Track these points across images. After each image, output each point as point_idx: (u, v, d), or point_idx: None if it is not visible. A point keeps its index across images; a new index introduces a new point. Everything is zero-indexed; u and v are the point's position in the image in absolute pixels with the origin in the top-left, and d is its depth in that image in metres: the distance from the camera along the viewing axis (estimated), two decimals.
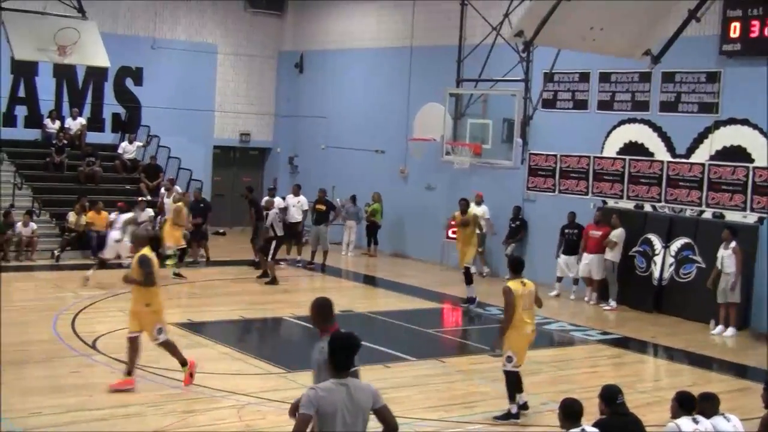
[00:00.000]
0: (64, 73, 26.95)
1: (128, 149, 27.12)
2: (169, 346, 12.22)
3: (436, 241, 24.20)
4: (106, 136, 27.96)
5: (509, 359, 11.49)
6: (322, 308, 7.86)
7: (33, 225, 22.24)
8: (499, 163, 20.62)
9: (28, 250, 22.03)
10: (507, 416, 11.41)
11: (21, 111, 26.83)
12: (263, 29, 30.39)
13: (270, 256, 20.88)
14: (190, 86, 28.84)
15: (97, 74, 27.27)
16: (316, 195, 24.01)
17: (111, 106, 28.15)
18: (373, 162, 26.60)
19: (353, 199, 26.01)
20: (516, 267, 11.92)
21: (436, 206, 24.46)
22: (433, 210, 24.55)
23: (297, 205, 23.88)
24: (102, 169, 26.03)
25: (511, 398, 11.46)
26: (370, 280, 22.74)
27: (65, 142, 26.04)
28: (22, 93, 26.75)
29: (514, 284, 11.49)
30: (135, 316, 12.01)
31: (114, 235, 20.23)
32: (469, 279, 19.11)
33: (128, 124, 28.17)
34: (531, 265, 22.29)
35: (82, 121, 27.06)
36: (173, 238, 20.93)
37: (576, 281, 20.64)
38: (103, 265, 19.73)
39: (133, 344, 11.96)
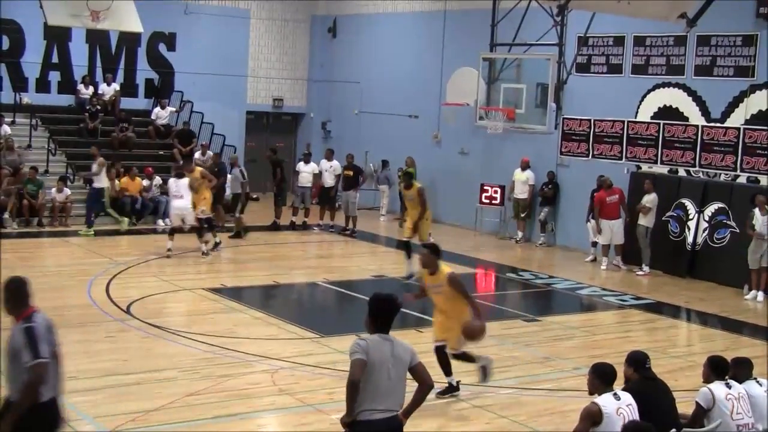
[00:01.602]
0: (97, 38, 27.04)
1: (161, 115, 27.21)
2: None
3: (470, 206, 24.14)
4: (140, 102, 28.06)
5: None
6: (17, 290, 6.76)
7: (67, 191, 22.41)
8: (532, 128, 20.48)
9: (62, 215, 22.21)
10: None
11: (54, 77, 26.97)
12: None
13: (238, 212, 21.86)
14: (223, 51, 28.84)
15: (130, 40, 27.34)
16: (346, 160, 24.03)
17: (144, 72, 28.22)
18: (407, 127, 26.50)
19: (385, 163, 25.98)
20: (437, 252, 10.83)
21: (469, 171, 24.41)
22: (466, 175, 24.48)
23: (330, 170, 23.92)
24: (135, 135, 26.15)
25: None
26: (402, 246, 22.73)
27: (99, 107, 26.13)
28: (55, 59, 26.87)
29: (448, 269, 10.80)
30: None
31: (179, 203, 19.39)
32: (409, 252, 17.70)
33: (161, 90, 28.26)
34: (564, 230, 22.56)
35: (115, 86, 27.15)
36: (205, 202, 20.47)
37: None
38: (174, 232, 19.46)
39: None
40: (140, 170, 23.67)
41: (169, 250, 19.01)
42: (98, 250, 19.57)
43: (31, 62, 26.49)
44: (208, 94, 28.06)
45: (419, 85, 26.22)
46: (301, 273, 18.57)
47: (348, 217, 23.42)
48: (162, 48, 28.37)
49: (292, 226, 23.44)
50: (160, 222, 22.76)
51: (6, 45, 26.13)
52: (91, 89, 26.69)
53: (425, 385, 6.77)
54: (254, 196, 27.55)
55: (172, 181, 19.77)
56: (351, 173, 23.78)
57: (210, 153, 24.74)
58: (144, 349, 12.51)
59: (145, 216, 23.13)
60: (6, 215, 21.38)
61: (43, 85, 26.73)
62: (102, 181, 21.96)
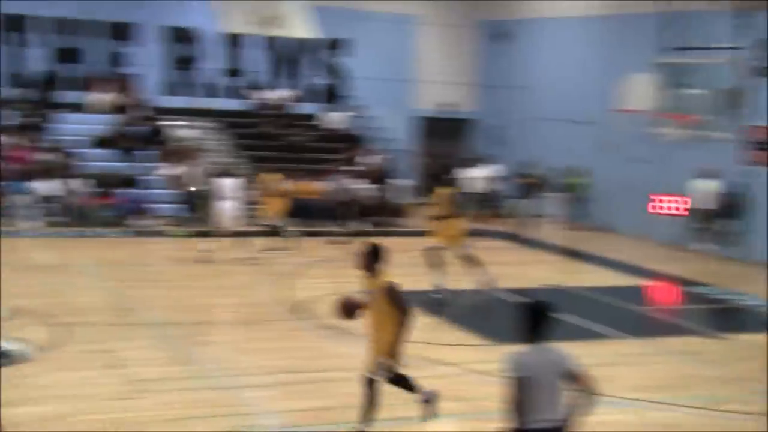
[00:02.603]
0: (272, 44, 27.73)
1: (333, 119, 27.63)
2: None
3: (643, 215, 23.47)
4: (312, 107, 28.58)
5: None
6: None
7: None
8: (712, 135, 19.77)
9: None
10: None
11: (233, 82, 27.81)
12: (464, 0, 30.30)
13: None
14: (394, 56, 29.08)
15: (303, 45, 27.94)
16: (517, 166, 23.80)
17: (317, 77, 28.74)
18: (578, 133, 26.05)
19: (555, 171, 25.65)
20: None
21: (644, 179, 23.73)
22: (640, 183, 23.81)
23: (488, 175, 23.72)
24: (307, 139, 26.62)
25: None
26: (572, 254, 22.35)
27: (273, 112, 26.77)
28: (234, 65, 27.70)
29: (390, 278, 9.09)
30: None
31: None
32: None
33: (333, 95, 28.72)
34: (749, 242, 21.51)
35: (289, 91, 27.76)
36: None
37: None
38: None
39: None
40: (312, 174, 24.02)
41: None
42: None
43: (209, 68, 27.38)
44: (378, 99, 28.33)
45: (592, 90, 25.68)
46: (471, 279, 18.44)
47: (518, 224, 23.19)
48: (334, 54, 28.81)
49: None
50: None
51: (185, 52, 27.11)
52: (265, 94, 27.36)
53: (587, 392, 6.46)
54: (425, 202, 27.62)
55: (224, 181, 19.17)
56: (524, 180, 23.53)
57: (377, 158, 24.94)
58: (318, 348, 12.66)
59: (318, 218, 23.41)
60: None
61: (220, 90, 27.59)
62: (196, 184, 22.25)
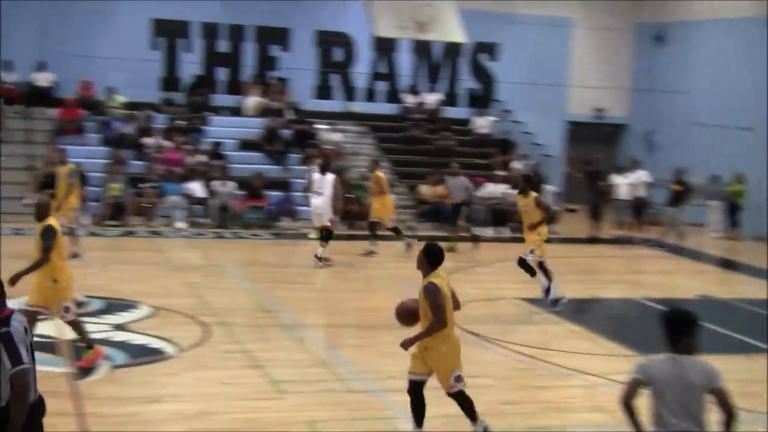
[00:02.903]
0: (422, 48, 27.73)
1: (482, 124, 27.38)
2: (76, 326, 10.94)
3: None
4: (461, 111, 28.34)
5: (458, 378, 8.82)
6: None
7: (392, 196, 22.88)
8: None
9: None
10: None
11: (381, 86, 27.92)
12: (620, 1, 29.52)
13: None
14: (544, 61, 28.59)
15: (453, 50, 27.83)
16: (670, 173, 23.02)
17: (466, 81, 28.56)
18: (738, 140, 24.95)
19: (715, 178, 24.67)
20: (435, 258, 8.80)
21: None
22: None
23: (636, 182, 23.04)
24: (455, 143, 26.45)
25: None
26: (729, 265, 21.46)
27: (422, 116, 26.74)
28: (383, 69, 27.83)
29: (438, 279, 8.68)
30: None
31: (318, 201, 17.89)
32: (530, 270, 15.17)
33: (482, 99, 28.47)
34: None
35: (438, 95, 27.68)
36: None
37: None
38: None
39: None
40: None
41: (317, 257, 17.69)
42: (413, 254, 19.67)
43: (360, 72, 27.56)
44: (527, 104, 27.89)
45: (755, 95, 24.61)
46: (618, 288, 17.93)
47: (670, 232, 22.43)
48: (484, 58, 28.58)
49: (612, 240, 22.73)
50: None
51: (338, 56, 27.39)
52: (415, 98, 27.35)
53: (725, 410, 6.12)
54: (572, 208, 27.08)
55: (316, 176, 18.16)
56: (679, 187, 22.74)
57: (526, 163, 24.54)
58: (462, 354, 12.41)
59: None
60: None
61: (370, 94, 27.76)
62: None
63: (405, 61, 27.96)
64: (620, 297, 17.25)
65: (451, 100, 28.23)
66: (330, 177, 17.86)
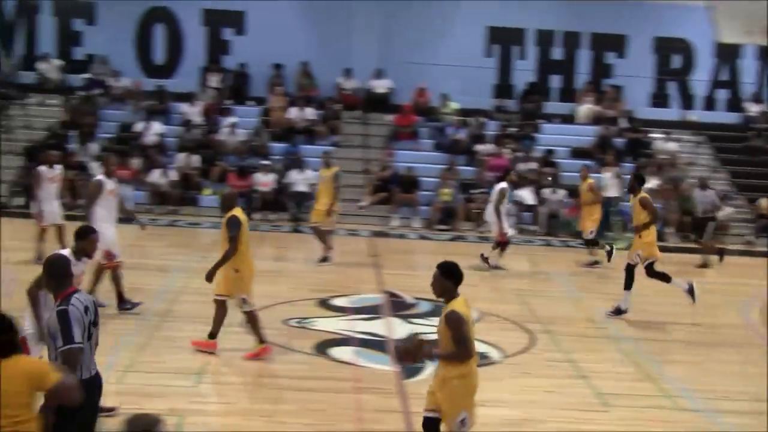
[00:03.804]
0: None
1: None
2: (251, 319, 10.89)
3: None
4: None
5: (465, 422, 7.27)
6: (57, 269, 6.45)
7: (728, 209, 21.76)
8: None
9: (722, 233, 21.52)
10: None
11: (722, 94, 26.71)
12: None
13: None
14: None
15: None
16: None
17: None
18: None
19: None
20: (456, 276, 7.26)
21: None
22: None
23: None
24: None
25: None
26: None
27: (766, 125, 25.26)
28: (724, 76, 26.58)
29: (459, 306, 7.17)
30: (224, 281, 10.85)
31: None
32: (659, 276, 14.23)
33: None
34: None
35: None
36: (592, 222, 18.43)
37: None
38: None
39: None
40: None
41: (485, 260, 17.23)
42: (754, 272, 18.59)
43: (700, 80, 26.50)
44: None
45: None
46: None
47: None
48: None
49: None
50: None
51: (677, 63, 26.48)
52: (759, 107, 25.91)
53: None
54: None
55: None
56: None
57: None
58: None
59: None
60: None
61: (711, 103, 26.62)
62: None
63: (749, 68, 26.54)
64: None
65: None
66: (497, 187, 17.44)
